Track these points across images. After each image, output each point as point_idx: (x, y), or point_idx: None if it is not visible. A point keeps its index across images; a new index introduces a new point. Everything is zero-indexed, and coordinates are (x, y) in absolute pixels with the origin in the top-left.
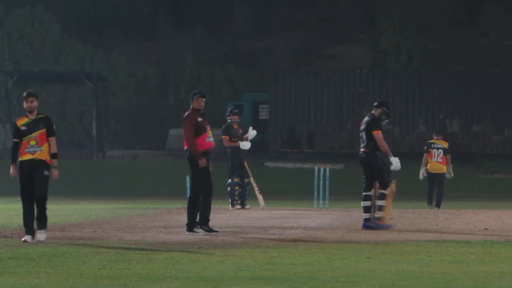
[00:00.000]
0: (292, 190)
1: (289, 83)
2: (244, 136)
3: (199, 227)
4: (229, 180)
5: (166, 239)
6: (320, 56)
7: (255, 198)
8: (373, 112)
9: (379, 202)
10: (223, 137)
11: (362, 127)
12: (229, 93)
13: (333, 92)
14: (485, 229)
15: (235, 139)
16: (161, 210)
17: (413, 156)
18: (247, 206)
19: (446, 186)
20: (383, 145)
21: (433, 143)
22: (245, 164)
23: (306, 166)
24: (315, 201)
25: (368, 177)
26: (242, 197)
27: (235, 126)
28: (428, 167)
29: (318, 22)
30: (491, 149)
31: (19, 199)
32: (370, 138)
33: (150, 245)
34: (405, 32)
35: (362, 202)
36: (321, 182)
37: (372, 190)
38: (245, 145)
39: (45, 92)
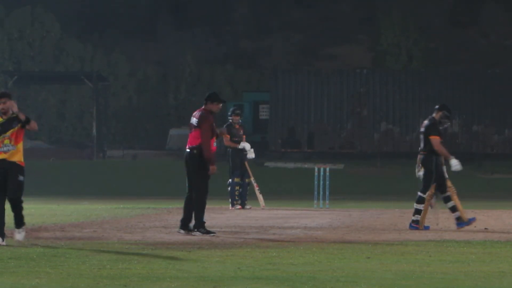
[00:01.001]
0: (292, 190)
1: (289, 83)
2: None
3: (195, 230)
4: (230, 180)
5: (166, 239)
6: (320, 56)
7: (255, 198)
8: (433, 115)
9: (417, 206)
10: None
11: (421, 129)
12: (229, 93)
13: (333, 92)
14: (485, 229)
15: (236, 139)
16: (161, 210)
17: (413, 156)
18: (248, 206)
19: None
20: (441, 149)
21: None
22: (246, 164)
23: (306, 166)
24: (315, 201)
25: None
26: (242, 197)
27: (237, 126)
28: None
29: (318, 22)
30: (491, 149)
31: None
32: (427, 142)
33: (150, 245)
34: (405, 32)
35: (446, 204)
36: (321, 182)
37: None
38: (250, 153)
39: (45, 92)
